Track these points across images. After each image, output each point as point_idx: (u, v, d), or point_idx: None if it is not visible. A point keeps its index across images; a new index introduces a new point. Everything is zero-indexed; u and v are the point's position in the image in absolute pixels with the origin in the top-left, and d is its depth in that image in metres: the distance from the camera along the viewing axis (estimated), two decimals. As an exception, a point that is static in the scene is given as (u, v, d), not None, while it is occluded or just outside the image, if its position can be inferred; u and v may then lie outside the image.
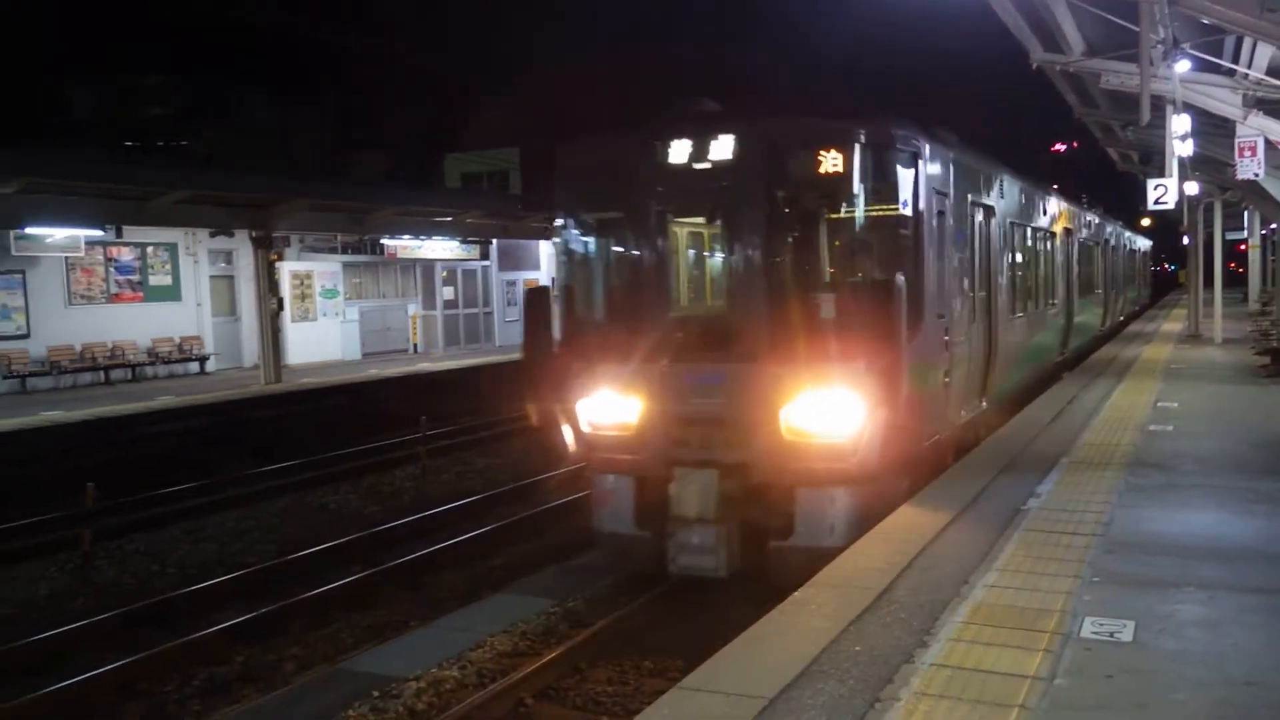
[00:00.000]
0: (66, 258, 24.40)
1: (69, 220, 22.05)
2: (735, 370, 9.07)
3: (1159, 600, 6.26)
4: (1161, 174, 17.56)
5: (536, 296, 10.62)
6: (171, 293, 27.40)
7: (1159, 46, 11.92)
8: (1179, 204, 22.04)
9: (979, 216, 11.85)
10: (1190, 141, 16.55)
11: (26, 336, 24.03)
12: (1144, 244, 45.93)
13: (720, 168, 9.25)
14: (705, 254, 11.34)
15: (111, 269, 26.04)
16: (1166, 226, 53.22)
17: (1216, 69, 13.47)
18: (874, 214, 9.22)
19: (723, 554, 9.00)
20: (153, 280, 27.00)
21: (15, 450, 17.22)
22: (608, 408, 9.66)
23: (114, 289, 26.14)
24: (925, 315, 9.33)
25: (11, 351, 23.63)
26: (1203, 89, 13.86)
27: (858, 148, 8.95)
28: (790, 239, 9.67)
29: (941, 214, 9.97)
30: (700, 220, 10.70)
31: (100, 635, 10.11)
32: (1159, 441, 11.62)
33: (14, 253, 22.91)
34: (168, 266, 27.34)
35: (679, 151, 9.39)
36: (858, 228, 9.31)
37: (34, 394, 23.31)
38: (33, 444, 17.62)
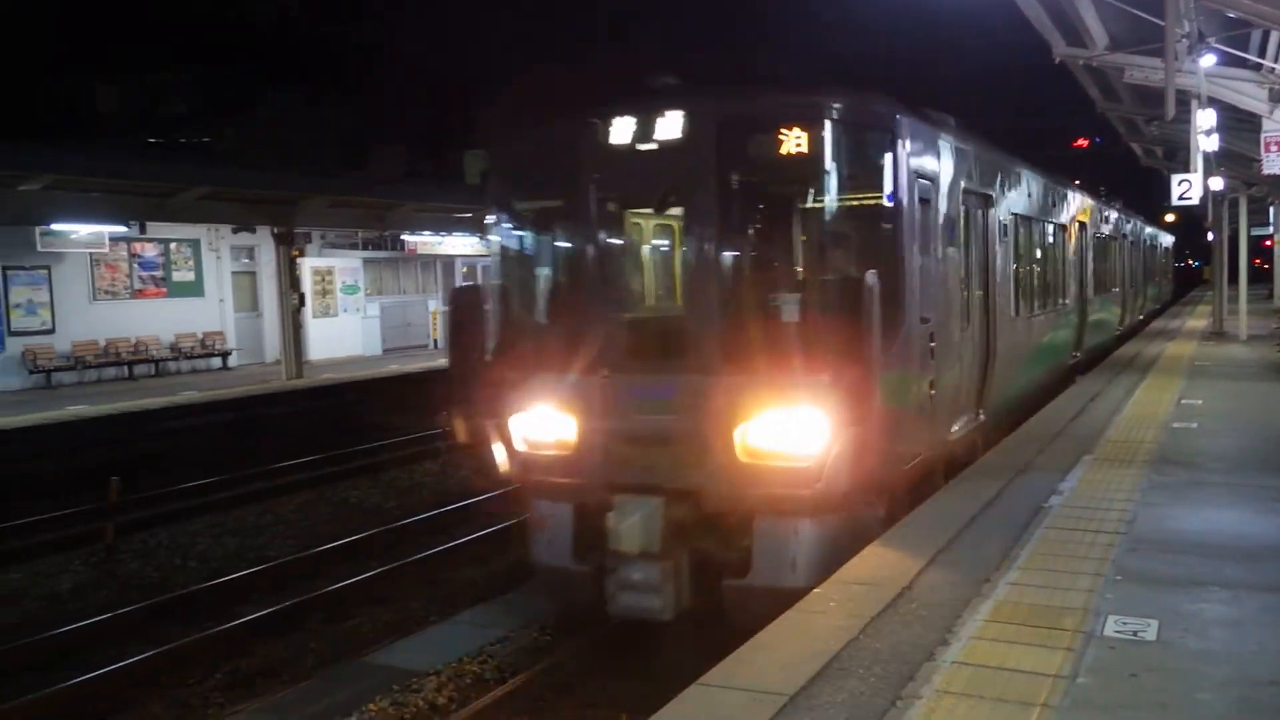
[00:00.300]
0: (91, 254, 24.60)
1: (93, 217, 22.27)
2: (684, 382, 8.02)
3: (1183, 599, 6.21)
4: (1186, 169, 17.46)
5: (464, 297, 9.68)
6: (194, 288, 27.57)
7: (1184, 40, 11.84)
8: (1203, 200, 21.88)
9: (975, 207, 10.79)
10: (1215, 136, 16.44)
11: (51, 332, 24.23)
12: (1166, 240, 45.38)
13: (668, 150, 8.15)
14: (656, 248, 9.97)
15: (135, 265, 26.22)
16: (1191, 222, 52.81)
17: (1242, 63, 13.37)
18: (846, 203, 8.18)
19: (669, 593, 7.99)
20: (176, 276, 27.18)
21: (42, 445, 17.39)
22: (543, 423, 8.60)
23: (138, 285, 26.33)
24: (906, 319, 8.22)
25: (37, 347, 23.83)
26: (1228, 83, 13.76)
27: (825, 125, 7.87)
28: (749, 231, 8.63)
29: (926, 203, 8.83)
30: (649, 210, 9.49)
31: (124, 629, 10.19)
32: (1183, 439, 11.54)
33: (39, 249, 23.09)
34: (190, 262, 27.52)
35: (621, 131, 8.30)
36: (826, 219, 8.22)
37: (59, 389, 23.49)
38: (58, 438, 17.77)
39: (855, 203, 8.26)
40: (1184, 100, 14.02)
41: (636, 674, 8.34)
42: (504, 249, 9.34)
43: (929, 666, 5.30)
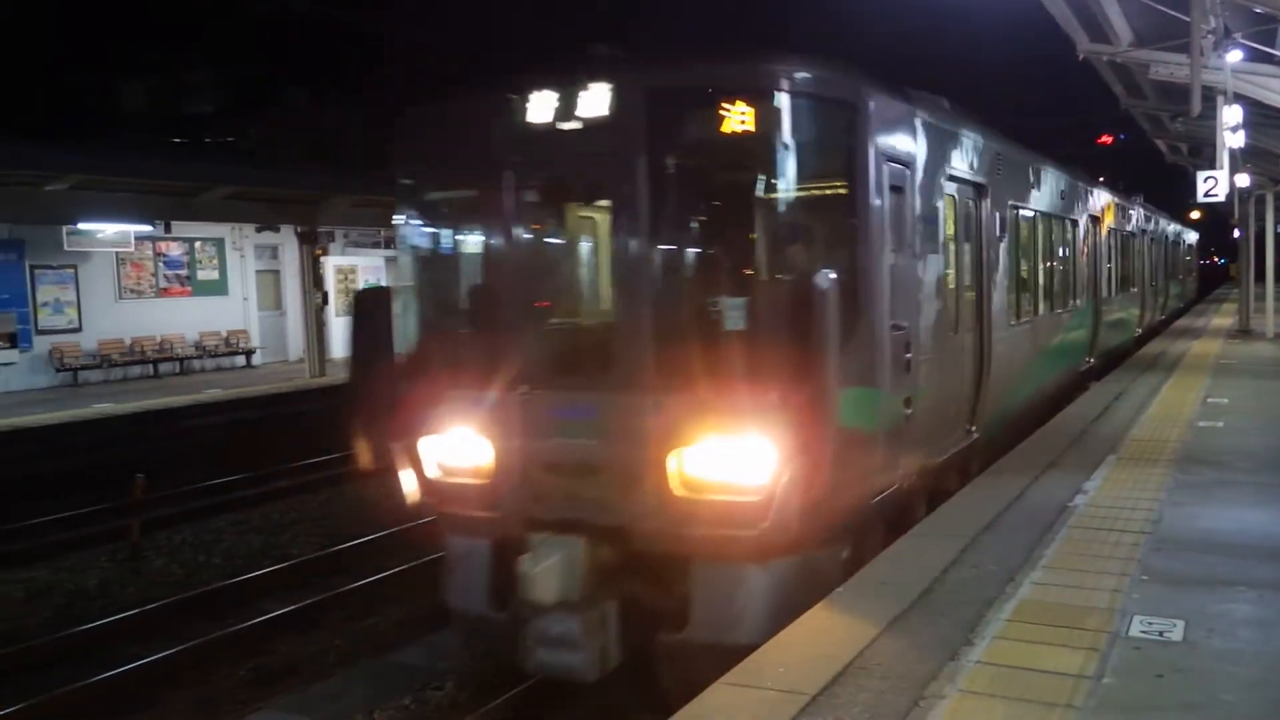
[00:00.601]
0: (117, 253, 24.83)
1: (119, 216, 22.46)
2: (611, 401, 6.95)
3: (1209, 599, 6.17)
4: (1212, 166, 17.31)
5: (371, 301, 8.60)
6: (218, 287, 27.77)
7: (1209, 36, 11.74)
8: (1230, 197, 21.70)
9: (966, 198, 9.83)
10: (1242, 133, 16.29)
11: (78, 330, 24.47)
12: (1190, 236, 44.83)
13: (593, 129, 7.02)
14: (585, 244, 8.55)
15: (160, 264, 26.45)
16: (1217, 220, 52.41)
17: (1269, 59, 13.24)
18: (800, 192, 6.91)
19: (593, 649, 6.98)
20: (200, 275, 27.39)
21: (68, 442, 17.55)
22: (456, 446, 7.62)
23: (163, 283, 26.54)
24: (872, 325, 7.21)
25: (64, 345, 24.06)
26: (1255, 79, 13.64)
27: (775, 99, 6.64)
28: (687, 225, 7.40)
29: (900, 192, 7.81)
30: (576, 201, 8.27)
31: (149, 624, 10.26)
32: (1209, 438, 11.45)
33: (66, 248, 23.32)
34: (215, 261, 27.73)
35: (539, 108, 7.19)
36: (778, 210, 6.90)
37: (85, 386, 23.71)
38: (84, 436, 17.94)
39: (812, 191, 7.08)
40: (1209, 96, 13.89)
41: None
42: (413, 246, 8.23)
43: (952, 666, 5.28)
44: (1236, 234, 37.81)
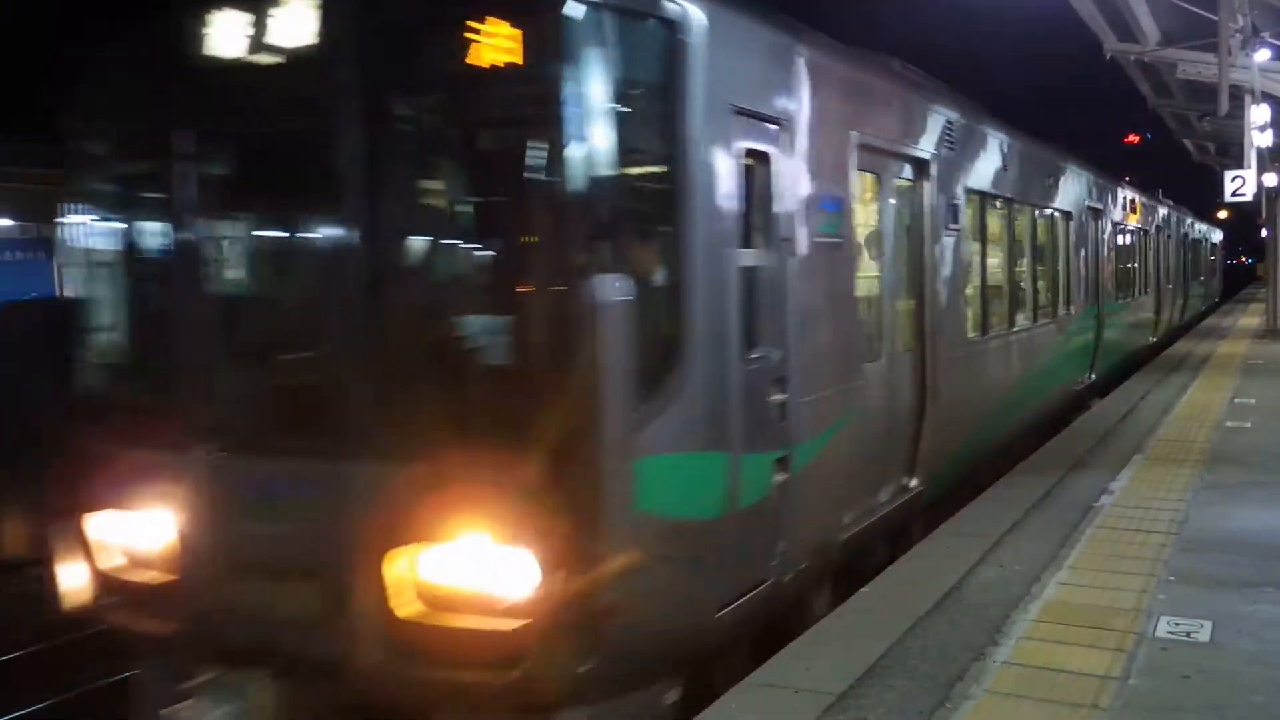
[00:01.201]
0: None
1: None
2: (317, 470, 4.79)
3: (1237, 600, 6.14)
4: (1239, 165, 17.24)
5: (18, 320, 6.55)
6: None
7: (1237, 35, 11.69)
8: (1257, 196, 21.56)
9: (894, 175, 7.74)
10: (1270, 132, 16.22)
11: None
12: (1215, 235, 43.96)
13: (292, 68, 4.89)
14: (300, 240, 5.73)
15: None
16: (1244, 219, 52.04)
17: (1298, 57, 13.17)
18: (595, 156, 4.42)
19: None
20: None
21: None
22: (124, 529, 5.42)
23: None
24: (705, 358, 5.01)
25: None
26: (1284, 78, 13.57)
27: (550, 15, 4.37)
28: (423, 207, 5.17)
29: (764, 160, 5.67)
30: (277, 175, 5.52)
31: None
32: (1236, 438, 11.38)
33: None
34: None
35: (223, 38, 5.00)
36: (559, 184, 4.40)
37: None
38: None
39: (617, 157, 4.53)
40: (1237, 95, 13.84)
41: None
42: (72, 244, 5.86)
43: (978, 666, 5.28)
44: (1264, 233, 37.53)
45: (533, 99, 4.50)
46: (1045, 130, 13.68)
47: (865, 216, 7.35)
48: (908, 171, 8.04)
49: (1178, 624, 5.77)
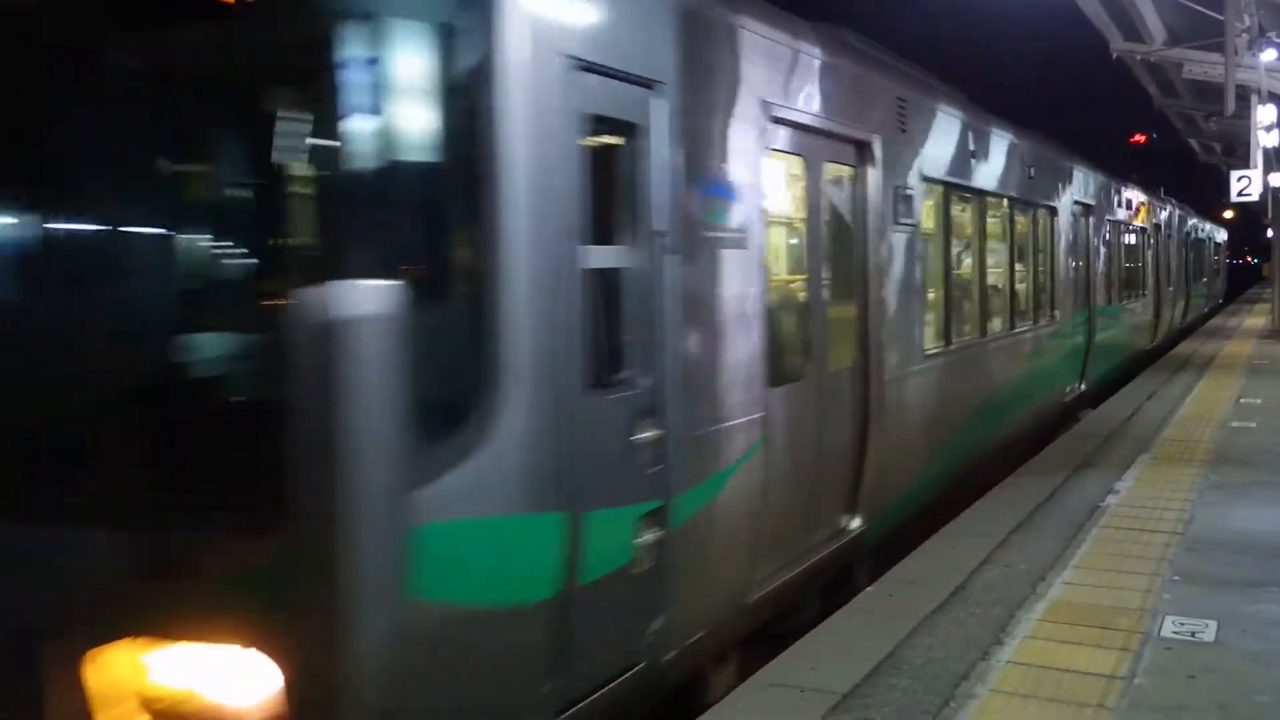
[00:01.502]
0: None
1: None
2: (21, 535, 3.68)
3: (1242, 600, 6.14)
4: (1245, 165, 17.23)
5: None
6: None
7: (1244, 35, 11.70)
8: (1263, 196, 21.54)
9: (821, 159, 6.47)
10: (1275, 132, 16.20)
11: None
12: (1219, 235, 43.66)
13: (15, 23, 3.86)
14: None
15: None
16: (1250, 218, 51.99)
17: (1304, 57, 13.17)
18: (378, 124, 3.41)
19: None
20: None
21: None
22: None
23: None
24: (532, 387, 3.86)
25: None
26: (1290, 78, 13.56)
27: None
28: (127, 182, 3.95)
29: (629, 133, 4.55)
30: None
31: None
32: (1242, 438, 11.37)
33: None
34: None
35: None
36: (312, 152, 3.57)
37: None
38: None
39: (393, 123, 3.48)
40: (1243, 95, 13.83)
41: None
42: None
43: (983, 665, 5.29)
44: (1270, 233, 37.49)
45: (279, 44, 3.53)
46: (1051, 130, 13.63)
47: (783, 207, 6.25)
48: (846, 155, 6.84)
49: (1183, 624, 5.77)
